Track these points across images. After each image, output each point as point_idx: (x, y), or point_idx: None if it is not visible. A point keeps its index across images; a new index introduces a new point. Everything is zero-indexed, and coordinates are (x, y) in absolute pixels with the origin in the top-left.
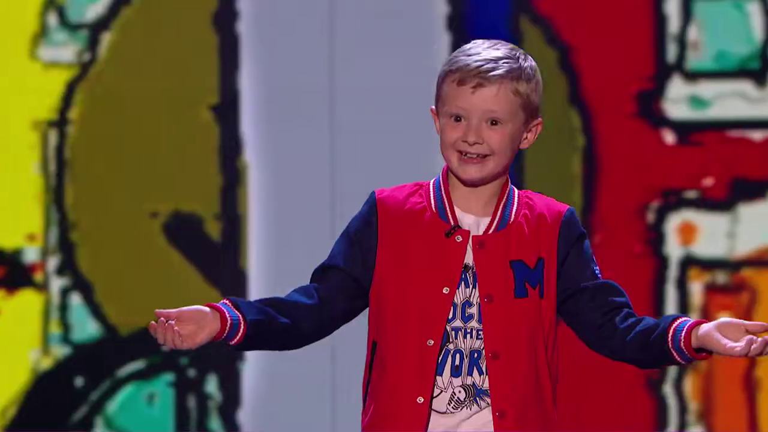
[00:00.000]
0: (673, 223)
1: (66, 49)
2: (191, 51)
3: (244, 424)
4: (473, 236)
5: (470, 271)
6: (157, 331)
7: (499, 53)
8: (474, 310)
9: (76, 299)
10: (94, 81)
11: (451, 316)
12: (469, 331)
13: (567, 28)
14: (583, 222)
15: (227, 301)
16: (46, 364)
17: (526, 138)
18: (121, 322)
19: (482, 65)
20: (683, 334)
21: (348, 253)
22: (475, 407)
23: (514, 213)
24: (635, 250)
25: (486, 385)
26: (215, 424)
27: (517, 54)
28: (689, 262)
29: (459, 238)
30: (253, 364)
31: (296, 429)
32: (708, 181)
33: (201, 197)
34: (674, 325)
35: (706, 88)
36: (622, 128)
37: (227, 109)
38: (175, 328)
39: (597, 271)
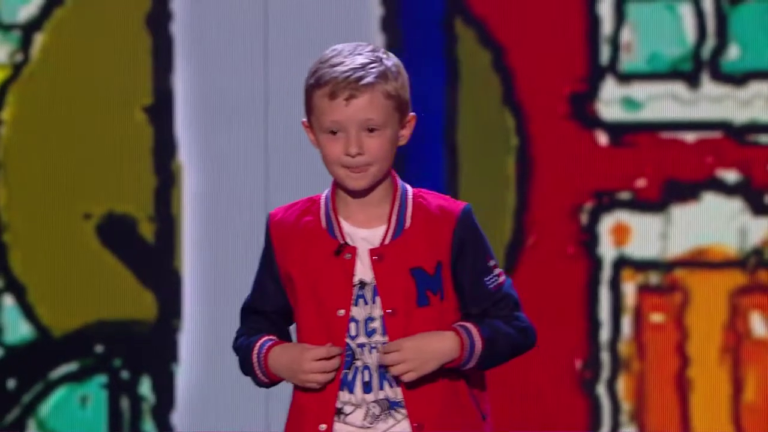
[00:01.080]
0: (607, 224)
1: None
2: (125, 52)
3: (178, 425)
4: (370, 249)
5: (368, 287)
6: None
7: (363, 59)
8: (377, 324)
9: (8, 301)
10: (26, 82)
11: (354, 332)
12: (374, 345)
13: (501, 29)
14: (516, 223)
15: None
16: None
17: (403, 135)
18: (54, 324)
19: (350, 75)
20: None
21: (262, 290)
22: (391, 420)
23: (409, 217)
24: (568, 251)
25: (399, 396)
26: (149, 426)
27: (380, 55)
28: (622, 263)
29: (348, 256)
30: (187, 366)
31: (231, 430)
32: (641, 183)
33: (135, 198)
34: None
35: (639, 90)
36: (555, 129)
37: (161, 110)
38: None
39: (489, 283)
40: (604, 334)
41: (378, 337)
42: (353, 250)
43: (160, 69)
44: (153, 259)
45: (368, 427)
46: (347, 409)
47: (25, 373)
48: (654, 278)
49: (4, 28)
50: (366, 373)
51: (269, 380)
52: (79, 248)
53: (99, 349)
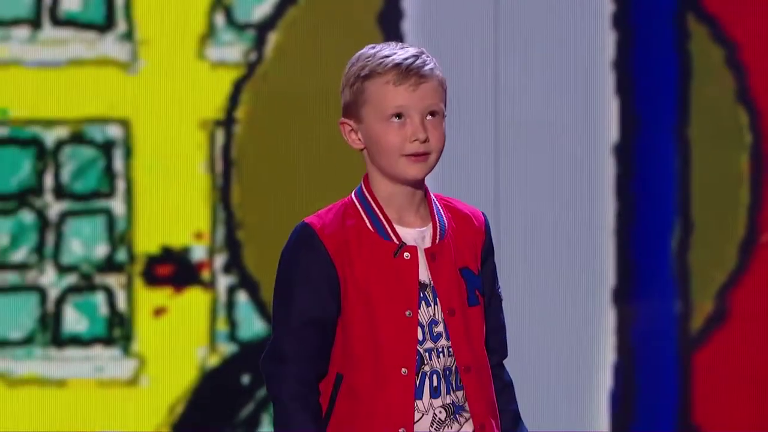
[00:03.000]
0: None
1: (233, 49)
2: (356, 50)
3: None
4: (425, 249)
5: (428, 289)
6: None
7: (412, 50)
8: (441, 328)
9: (242, 297)
10: (260, 80)
11: (421, 338)
12: (440, 350)
13: (734, 25)
14: (750, 221)
15: None
16: (213, 361)
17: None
18: None
19: (413, 62)
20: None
21: (314, 299)
22: (456, 425)
23: (446, 218)
24: None
25: (463, 399)
26: None
27: (424, 50)
28: None
29: (407, 255)
30: None
31: None
32: None
33: None
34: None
35: None
36: None
37: None
38: None
39: (499, 289)
40: None
41: (443, 341)
42: (413, 250)
43: None
44: None
45: None
46: (415, 416)
47: (259, 369)
48: None
49: (239, 27)
50: (435, 377)
51: None
52: None
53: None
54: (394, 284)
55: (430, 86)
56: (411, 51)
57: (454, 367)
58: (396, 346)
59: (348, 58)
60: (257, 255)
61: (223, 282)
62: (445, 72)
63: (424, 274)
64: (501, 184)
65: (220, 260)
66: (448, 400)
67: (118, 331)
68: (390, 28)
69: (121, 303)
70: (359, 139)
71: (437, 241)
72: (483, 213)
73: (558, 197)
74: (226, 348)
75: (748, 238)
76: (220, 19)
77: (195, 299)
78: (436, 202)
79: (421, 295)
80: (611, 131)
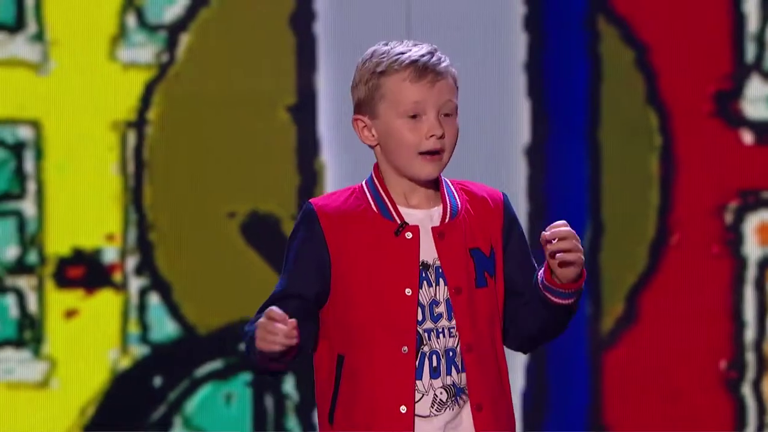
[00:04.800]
0: (752, 223)
1: (145, 50)
2: (269, 51)
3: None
4: (433, 228)
5: (430, 269)
6: (290, 332)
7: (427, 47)
8: (442, 308)
9: (154, 299)
10: (172, 82)
11: (420, 318)
12: (441, 330)
13: (644, 27)
14: (660, 222)
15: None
16: (125, 363)
17: None
18: (199, 322)
19: (430, 59)
20: (542, 274)
21: (301, 275)
22: (456, 407)
23: (459, 200)
24: (713, 251)
25: (464, 381)
26: (292, 423)
27: (436, 47)
28: None
29: (409, 235)
30: None
31: None
32: None
33: (278, 197)
34: (537, 274)
35: None
36: (699, 128)
37: (305, 110)
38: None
39: (534, 265)
40: (749, 334)
41: (444, 322)
42: (414, 229)
43: (303, 68)
44: None
45: (435, 415)
46: (416, 396)
47: (170, 371)
48: None
49: (150, 29)
50: (434, 358)
51: (260, 357)
52: (223, 247)
53: (243, 347)
54: (395, 263)
55: (445, 83)
56: (425, 48)
57: (457, 349)
58: (396, 324)
59: (260, 60)
60: (169, 257)
61: (135, 284)
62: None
63: (428, 254)
64: None
65: (131, 262)
66: (448, 381)
67: (28, 333)
68: (302, 29)
69: (32, 305)
70: (373, 136)
71: (446, 220)
72: (503, 194)
73: None
74: (138, 350)
75: (658, 239)
76: (131, 20)
77: (106, 301)
78: (450, 185)
79: (423, 275)
80: (523, 133)
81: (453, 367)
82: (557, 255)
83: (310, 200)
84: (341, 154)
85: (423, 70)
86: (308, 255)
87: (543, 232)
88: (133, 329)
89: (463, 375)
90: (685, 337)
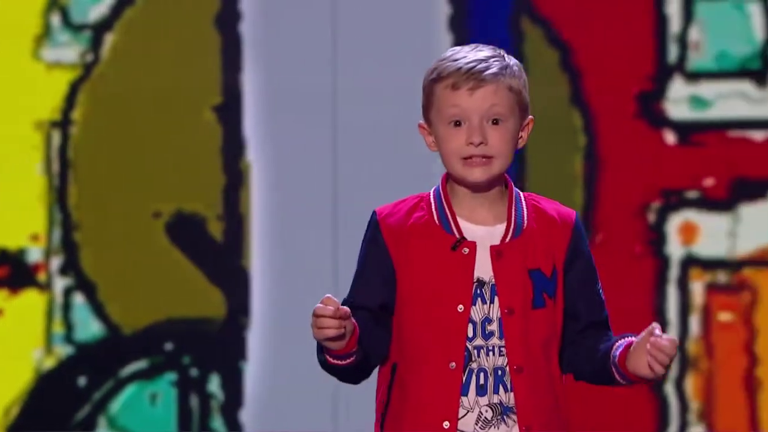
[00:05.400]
0: (674, 223)
1: (69, 50)
2: (194, 51)
3: (246, 423)
4: (491, 246)
5: (486, 286)
6: (327, 321)
7: (485, 53)
8: (494, 326)
9: (79, 299)
10: (97, 81)
11: (471, 334)
12: (491, 348)
13: (568, 29)
14: (585, 222)
15: (357, 330)
16: (49, 363)
17: (521, 137)
18: (124, 322)
19: (475, 66)
20: (620, 351)
21: (366, 286)
22: (503, 426)
23: (526, 218)
24: (636, 251)
25: (512, 401)
26: (217, 423)
27: (502, 53)
28: (690, 262)
29: (466, 251)
30: (255, 363)
31: (298, 428)
32: (709, 181)
33: (204, 197)
34: (617, 342)
35: (707, 89)
36: (623, 128)
37: (230, 110)
38: (343, 330)
39: (601, 292)
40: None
41: (495, 340)
42: (472, 245)
43: (229, 68)
44: (221, 258)
45: None
46: (460, 412)
47: (95, 371)
48: (722, 277)
49: (75, 28)
50: (482, 376)
51: (331, 357)
52: (148, 247)
53: (168, 346)
54: (450, 278)
55: (489, 90)
56: (482, 54)
57: (507, 368)
58: (446, 339)
59: (186, 60)
60: (94, 256)
61: (60, 284)
62: (281, 74)
63: (484, 271)
64: (339, 187)
65: (56, 262)
66: (495, 400)
67: None
68: (227, 30)
69: None
70: (433, 142)
71: (507, 239)
72: (576, 214)
73: (398, 198)
74: (63, 350)
75: None
76: (56, 19)
77: (31, 301)
78: (522, 201)
79: (478, 291)
80: None
81: (501, 386)
82: (650, 361)
83: (376, 209)
84: (267, 154)
85: (465, 76)
86: (374, 265)
87: (657, 331)
88: (58, 329)
89: (512, 395)
90: None
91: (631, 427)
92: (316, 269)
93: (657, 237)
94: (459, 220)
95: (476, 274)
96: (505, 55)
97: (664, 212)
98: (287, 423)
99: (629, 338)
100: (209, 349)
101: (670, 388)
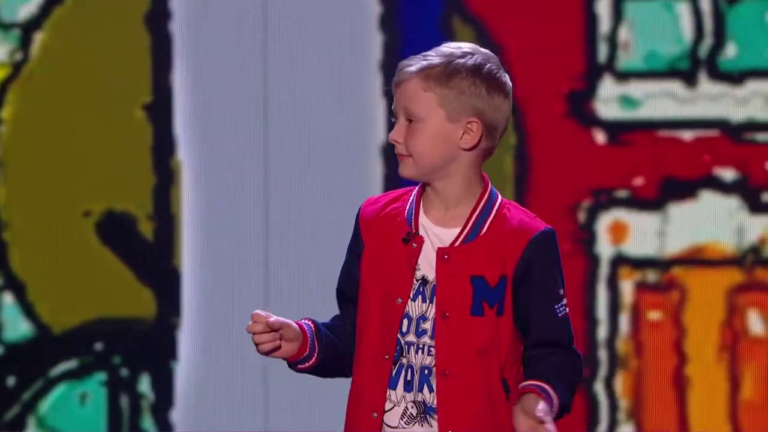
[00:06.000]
0: (604, 222)
1: None
2: (124, 51)
3: (177, 423)
4: (438, 248)
5: (428, 285)
6: (260, 337)
7: (435, 51)
8: (428, 325)
9: (7, 299)
10: (26, 80)
11: (405, 329)
12: (421, 346)
13: (498, 28)
14: None
15: (312, 327)
16: None
17: (464, 140)
18: (53, 322)
19: (405, 61)
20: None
21: (348, 272)
22: (426, 425)
23: (487, 225)
24: (566, 249)
25: (435, 403)
26: (148, 423)
27: (459, 53)
28: (620, 261)
29: (414, 245)
30: (186, 363)
31: (229, 428)
32: (639, 181)
33: (134, 196)
34: (524, 383)
35: (636, 88)
36: (553, 128)
37: (160, 109)
38: (280, 342)
39: (558, 311)
40: (602, 332)
41: (426, 339)
42: (419, 240)
43: (159, 67)
44: (152, 257)
45: (403, 428)
46: (387, 405)
47: (24, 371)
48: (651, 276)
49: (4, 27)
50: (409, 372)
51: (291, 363)
52: (78, 246)
53: (98, 346)
54: (395, 270)
55: (404, 88)
56: (430, 52)
57: (433, 369)
58: (383, 330)
59: (116, 58)
60: (23, 256)
61: None
62: (211, 74)
63: (431, 272)
64: (270, 187)
65: None
66: (419, 398)
67: None
68: (157, 28)
69: None
70: None
71: (457, 243)
72: (543, 229)
73: (328, 198)
74: None
75: None
76: None
77: None
78: (489, 210)
79: (421, 289)
80: (379, 133)
81: (426, 386)
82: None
83: (367, 198)
84: (197, 152)
85: (396, 72)
86: (351, 252)
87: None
88: None
89: (435, 397)
90: None
91: (561, 426)
92: (246, 269)
93: (587, 236)
94: (421, 215)
95: (423, 271)
96: (462, 56)
97: (594, 211)
98: (218, 423)
99: (532, 384)
100: (139, 349)
101: (599, 387)
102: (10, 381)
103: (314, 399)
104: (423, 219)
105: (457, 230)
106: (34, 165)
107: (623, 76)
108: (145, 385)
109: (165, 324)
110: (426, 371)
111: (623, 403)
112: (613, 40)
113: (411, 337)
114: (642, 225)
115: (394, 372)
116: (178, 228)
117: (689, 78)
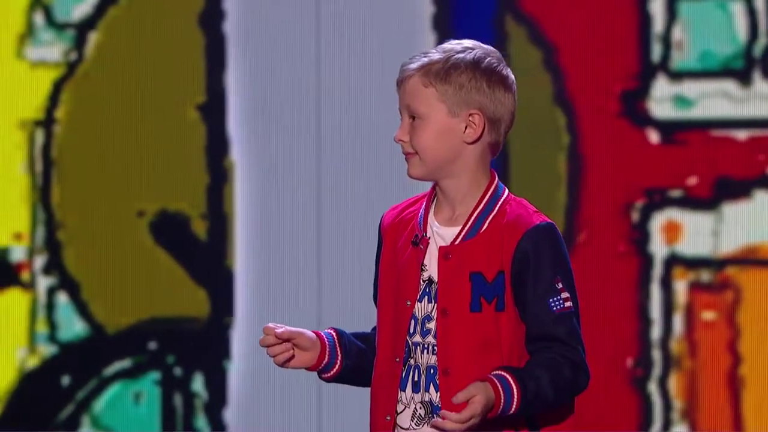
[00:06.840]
0: (658, 222)
1: (53, 49)
2: (178, 50)
3: (230, 422)
4: (440, 246)
5: (433, 285)
6: (273, 349)
7: (436, 48)
8: (432, 325)
9: (62, 298)
10: (80, 80)
11: (412, 330)
12: (426, 346)
13: (552, 28)
14: (568, 221)
15: (333, 335)
16: (33, 363)
17: (467, 134)
18: (107, 321)
19: (407, 60)
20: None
21: (375, 282)
22: None
23: (488, 222)
24: (620, 249)
25: (440, 402)
26: (201, 422)
27: (459, 48)
28: (674, 261)
29: (422, 247)
30: (240, 362)
31: (282, 428)
32: (692, 180)
33: (188, 196)
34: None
35: (690, 88)
36: (606, 127)
37: (214, 109)
38: (293, 352)
39: (552, 305)
40: (656, 332)
41: (431, 339)
42: (425, 242)
43: (213, 67)
44: (205, 257)
45: (414, 429)
46: (399, 407)
47: (79, 370)
48: (705, 276)
49: (59, 27)
50: (416, 372)
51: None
52: (132, 246)
53: (152, 346)
54: (405, 273)
55: (406, 86)
56: (433, 49)
57: (437, 367)
58: (394, 333)
59: (169, 58)
60: (77, 256)
61: (43, 283)
62: (265, 74)
63: (435, 272)
64: (323, 187)
65: (40, 261)
66: (426, 398)
67: None
68: (211, 29)
69: None
70: None
71: (458, 241)
72: (539, 223)
73: (380, 198)
74: (46, 349)
75: (566, 238)
76: (39, 18)
77: (14, 300)
78: (493, 207)
79: (427, 290)
80: None
81: (432, 385)
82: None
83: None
84: (251, 152)
85: (399, 72)
86: (377, 259)
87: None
88: (41, 328)
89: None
90: (592, 335)
91: (615, 426)
92: (300, 268)
93: (640, 236)
94: (431, 217)
95: (429, 272)
96: (463, 51)
97: (648, 211)
98: (271, 422)
99: (494, 374)
100: (193, 349)
101: (653, 387)
102: (65, 380)
103: (367, 399)
104: (431, 220)
105: (458, 228)
106: (89, 165)
107: (677, 76)
108: (198, 384)
109: (218, 323)
110: (431, 371)
111: (677, 404)
112: (666, 40)
113: (417, 338)
114: (696, 225)
115: (404, 374)
116: (232, 228)
117: (743, 77)
